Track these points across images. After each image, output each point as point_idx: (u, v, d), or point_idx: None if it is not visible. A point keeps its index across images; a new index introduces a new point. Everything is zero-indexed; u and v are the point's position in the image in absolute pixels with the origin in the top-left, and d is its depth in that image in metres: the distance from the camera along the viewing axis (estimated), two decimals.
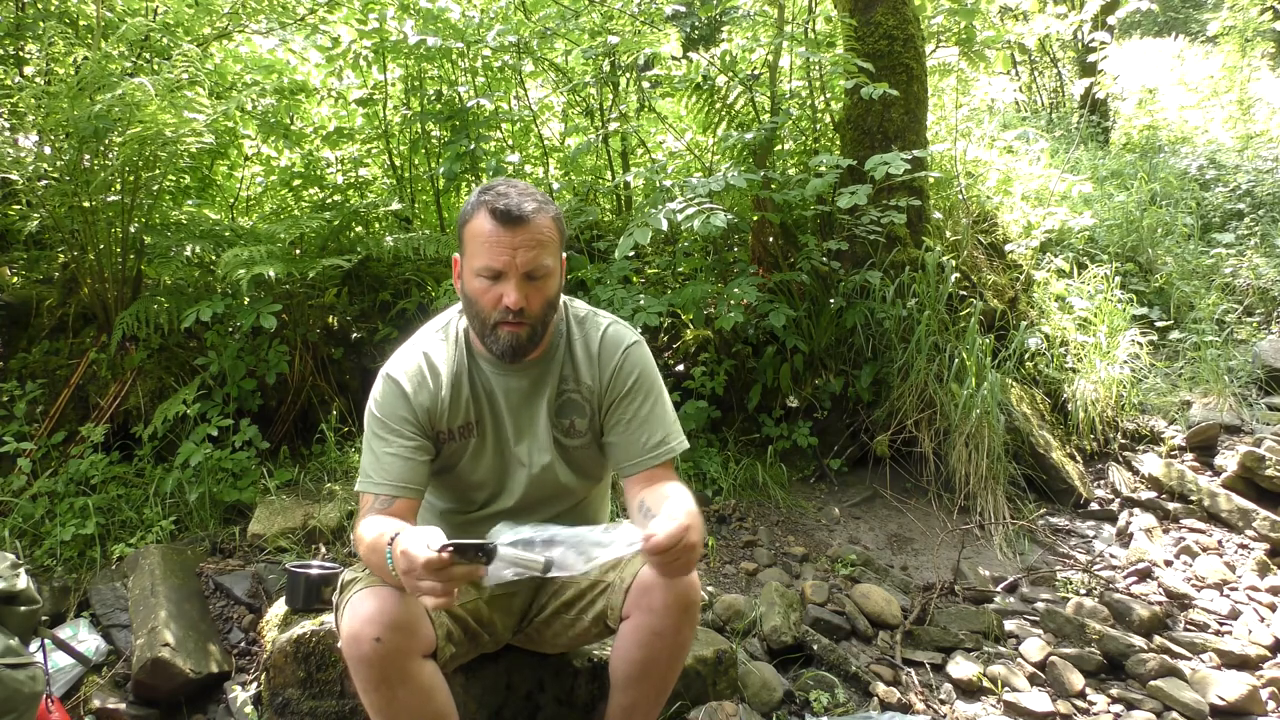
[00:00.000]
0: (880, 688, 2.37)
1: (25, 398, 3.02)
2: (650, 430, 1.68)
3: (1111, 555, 3.26)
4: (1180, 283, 5.38)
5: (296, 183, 4.19)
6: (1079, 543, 3.36)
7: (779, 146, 4.08)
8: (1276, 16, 9.34)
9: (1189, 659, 2.63)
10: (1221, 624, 2.85)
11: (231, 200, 4.38)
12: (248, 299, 3.07)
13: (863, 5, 4.01)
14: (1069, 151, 7.06)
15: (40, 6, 3.82)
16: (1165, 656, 2.56)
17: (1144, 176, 6.70)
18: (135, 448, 2.98)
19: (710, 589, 2.70)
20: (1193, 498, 3.52)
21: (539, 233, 1.54)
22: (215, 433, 2.90)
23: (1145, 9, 7.19)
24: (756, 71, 4.02)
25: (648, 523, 1.41)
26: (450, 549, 1.26)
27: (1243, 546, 3.28)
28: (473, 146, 3.73)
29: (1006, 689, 2.41)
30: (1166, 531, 3.40)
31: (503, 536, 1.32)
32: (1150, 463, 3.76)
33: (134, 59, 3.72)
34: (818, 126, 4.27)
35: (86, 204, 3.12)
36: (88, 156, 3.12)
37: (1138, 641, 2.62)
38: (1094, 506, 3.55)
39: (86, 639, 2.23)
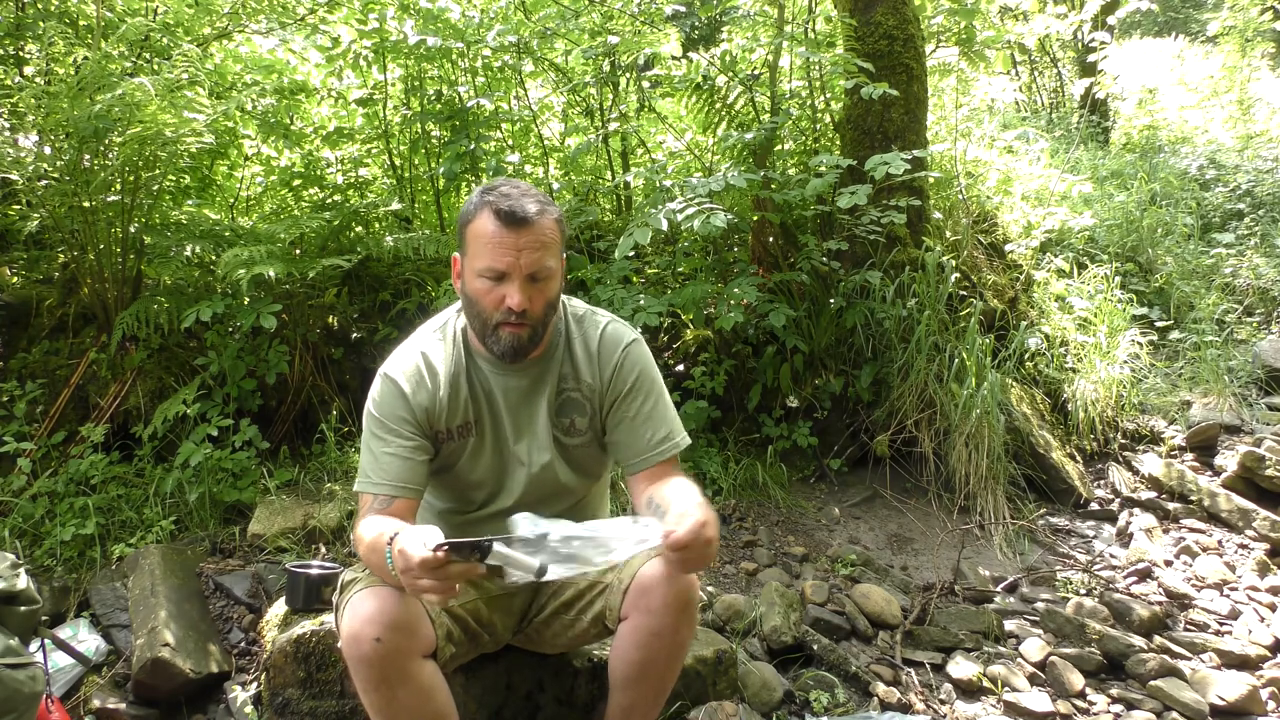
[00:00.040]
0: (880, 688, 2.37)
1: (25, 398, 3.02)
2: (654, 427, 1.69)
3: (1111, 555, 3.26)
4: (1180, 283, 5.38)
5: (296, 183, 4.19)
6: (1079, 543, 3.36)
7: (779, 146, 4.08)
8: (1277, 16, 9.34)
9: (1189, 659, 2.63)
10: (1221, 624, 2.85)
11: (231, 200, 4.38)
12: (248, 299, 3.07)
13: (863, 5, 4.01)
14: (1069, 151, 7.06)
15: (40, 6, 3.82)
16: (1165, 656, 2.56)
17: (1144, 176, 6.69)
18: (135, 448, 2.98)
19: (710, 589, 2.70)
20: (1193, 498, 3.52)
21: (542, 234, 1.54)
22: (215, 433, 2.90)
23: (1145, 9, 7.19)
24: (756, 71, 4.02)
25: (659, 519, 1.42)
26: (446, 548, 1.26)
27: (1243, 546, 3.28)
28: (473, 146, 3.73)
29: (1006, 689, 2.41)
30: (1166, 531, 3.40)
31: (521, 528, 1.33)
32: (1150, 463, 3.76)
33: (134, 59, 3.72)
34: (818, 126, 4.27)
35: (86, 204, 3.12)
36: (88, 156, 3.12)
37: (1138, 641, 2.62)
38: (1094, 506, 3.55)
39: (86, 639, 2.23)
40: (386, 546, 1.37)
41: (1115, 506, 3.57)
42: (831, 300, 3.71)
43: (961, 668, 2.48)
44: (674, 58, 4.07)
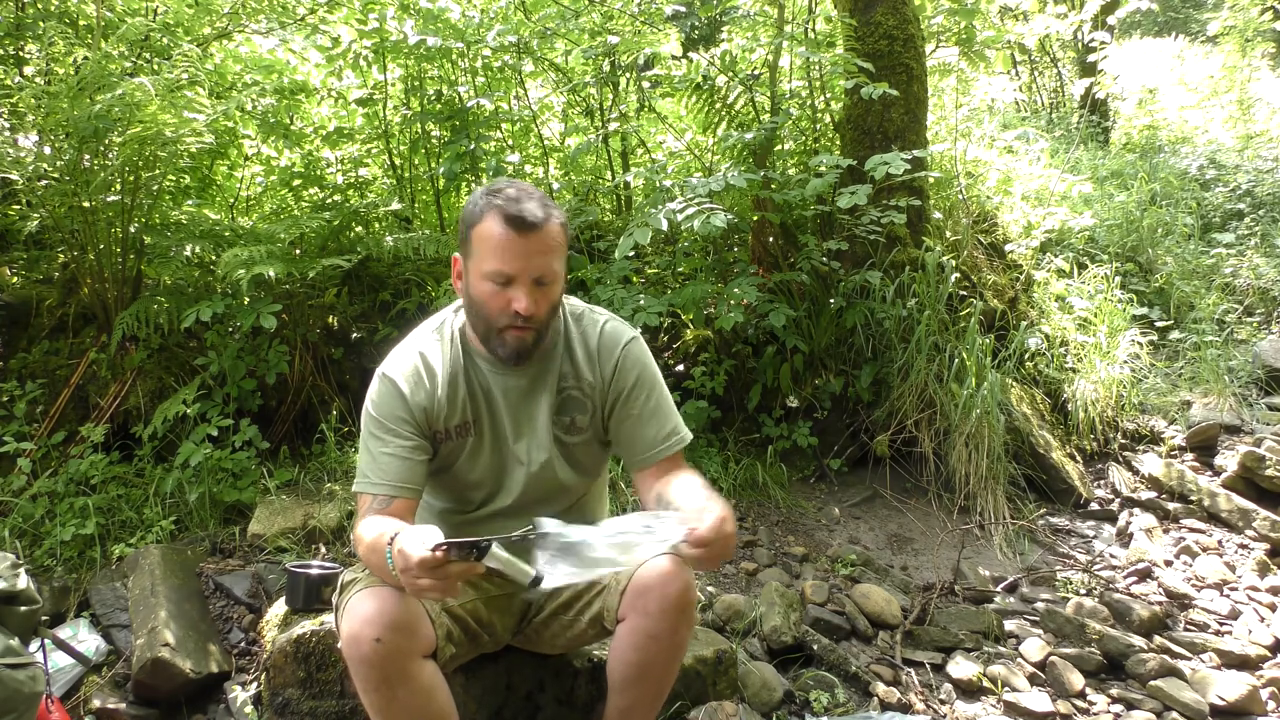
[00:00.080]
0: (880, 688, 2.37)
1: (25, 398, 3.02)
2: (659, 423, 1.71)
3: (1111, 555, 3.26)
4: (1180, 283, 5.38)
5: (296, 183, 4.19)
6: (1079, 543, 3.36)
7: (779, 146, 4.08)
8: (1277, 16, 9.34)
9: (1189, 659, 2.63)
10: (1221, 624, 2.85)
11: (231, 200, 4.38)
12: (248, 299, 3.07)
13: (863, 5, 4.01)
14: (1069, 151, 7.06)
15: (40, 6, 3.82)
16: (1165, 656, 2.56)
17: (1144, 176, 6.69)
18: (135, 448, 2.98)
19: (710, 589, 2.70)
20: (1193, 498, 3.52)
21: (550, 239, 1.54)
22: (215, 433, 2.90)
23: (1145, 9, 7.19)
24: (756, 71, 4.02)
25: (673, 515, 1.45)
26: (445, 547, 1.27)
27: (1243, 546, 3.28)
28: (473, 146, 3.73)
29: (1006, 689, 2.41)
30: (1166, 531, 3.40)
31: (546, 526, 1.34)
32: (1150, 463, 3.76)
33: (134, 59, 3.72)
34: (818, 126, 4.27)
35: (86, 204, 3.12)
36: (88, 156, 3.12)
37: (1138, 641, 2.62)
38: (1094, 506, 3.55)
39: (86, 639, 2.23)
40: (387, 547, 1.37)
41: (1115, 506, 3.57)
42: (831, 300, 3.71)
43: (961, 668, 2.48)
44: (674, 58, 4.07)
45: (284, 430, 3.28)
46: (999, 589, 2.99)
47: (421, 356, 1.66)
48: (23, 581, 1.92)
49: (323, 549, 2.66)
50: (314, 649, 1.89)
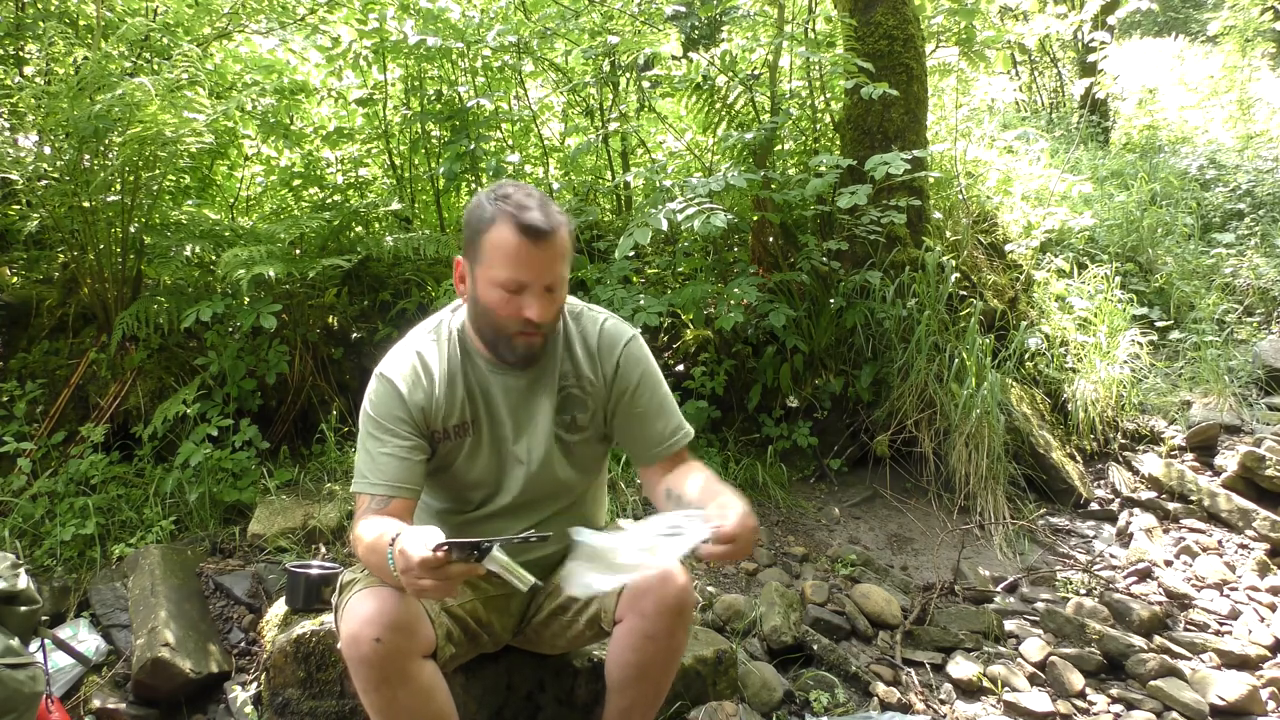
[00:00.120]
0: (880, 688, 2.37)
1: (25, 398, 3.02)
2: (665, 420, 1.73)
3: (1111, 555, 3.26)
4: (1180, 283, 5.39)
5: (296, 183, 4.19)
6: (1079, 543, 3.36)
7: (779, 146, 4.08)
8: (1277, 16, 9.34)
9: (1189, 659, 2.63)
10: (1221, 624, 2.85)
11: (231, 200, 4.38)
12: (248, 299, 3.07)
13: (863, 5, 4.01)
14: (1069, 151, 7.06)
15: (40, 6, 3.82)
16: (1165, 656, 2.56)
17: (1144, 176, 6.69)
18: (135, 448, 2.98)
19: (710, 589, 2.70)
20: (1193, 498, 3.52)
21: (560, 246, 1.54)
22: (215, 433, 2.90)
23: (1145, 9, 7.19)
24: (756, 71, 4.02)
25: (681, 508, 1.48)
26: (445, 547, 1.27)
27: (1243, 546, 3.28)
28: (473, 146, 3.73)
29: (1006, 689, 2.41)
30: (1166, 531, 3.40)
31: (580, 534, 1.36)
32: (1150, 463, 3.76)
33: (134, 59, 3.72)
34: (818, 126, 4.27)
35: (86, 204, 3.12)
36: (88, 156, 3.12)
37: (1138, 641, 2.62)
38: (1094, 506, 3.55)
39: (86, 639, 2.23)
40: (388, 547, 1.37)
41: (1115, 506, 3.57)
42: (831, 300, 3.71)
43: (961, 668, 2.48)
44: (674, 58, 4.07)
45: (284, 430, 3.28)
46: (999, 589, 2.99)
47: (419, 356, 1.66)
48: (23, 581, 1.92)
49: (323, 549, 2.67)
50: (314, 649, 1.89)
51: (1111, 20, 7.62)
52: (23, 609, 1.91)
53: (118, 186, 3.20)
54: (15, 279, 3.59)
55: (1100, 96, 8.41)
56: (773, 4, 3.97)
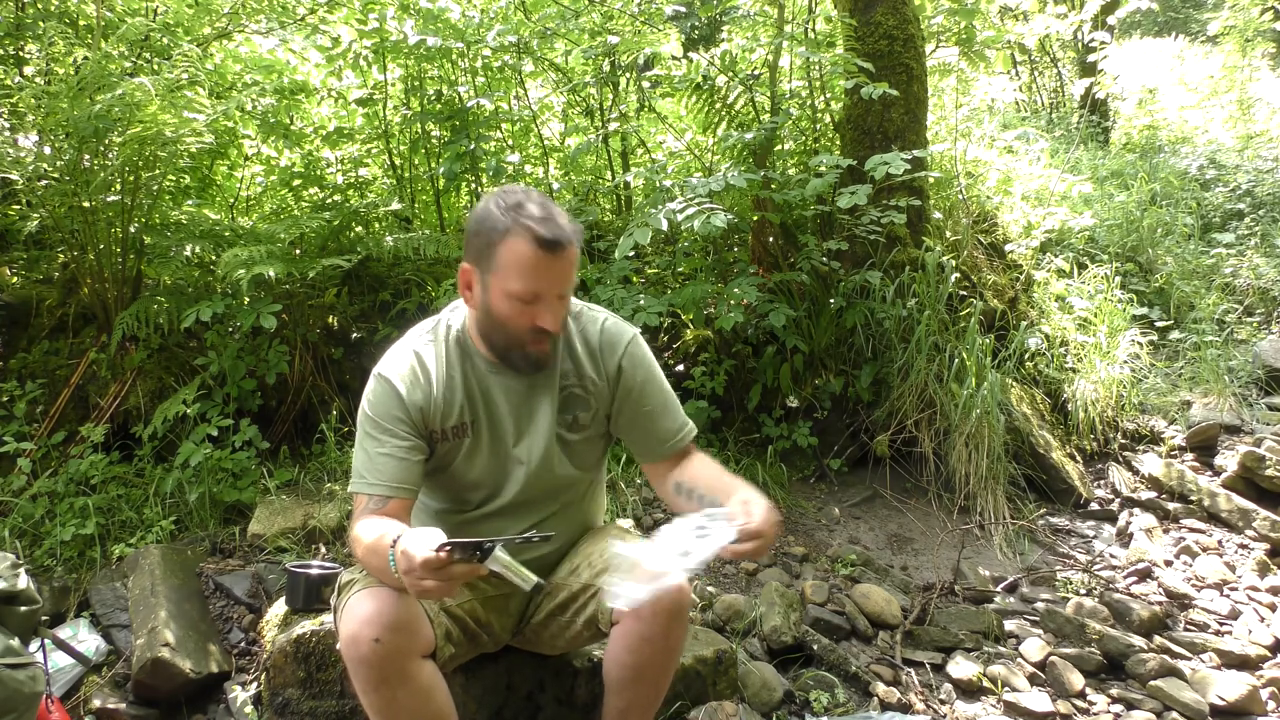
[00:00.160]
0: (880, 688, 2.37)
1: (25, 398, 3.02)
2: (670, 417, 1.76)
3: (1111, 555, 3.26)
4: (1180, 283, 5.38)
5: (296, 183, 4.19)
6: (1079, 543, 3.36)
7: (779, 146, 4.08)
8: (1277, 16, 9.34)
9: (1189, 659, 2.63)
10: (1221, 624, 2.85)
11: (231, 200, 4.38)
12: (248, 299, 3.07)
13: (863, 5, 4.01)
14: (1069, 151, 7.06)
15: (40, 6, 3.82)
16: (1165, 656, 2.56)
17: (1144, 176, 6.69)
18: (135, 448, 2.98)
19: (710, 589, 2.70)
20: (1193, 498, 3.52)
21: (574, 256, 1.56)
22: (215, 433, 2.90)
23: (1145, 9, 7.19)
24: (756, 71, 4.02)
25: (693, 502, 1.62)
26: (449, 548, 1.27)
27: (1243, 546, 3.28)
28: (473, 146, 3.73)
29: (1006, 689, 2.41)
30: (1166, 531, 3.40)
31: (616, 545, 1.41)
32: (1150, 463, 3.76)
33: (134, 59, 3.72)
34: (818, 126, 4.27)
35: (86, 204, 3.12)
36: (88, 156, 3.13)
37: (1138, 641, 2.62)
38: (1094, 506, 3.55)
39: (86, 639, 2.23)
40: (390, 549, 1.37)
41: (1115, 506, 3.57)
42: (831, 300, 3.71)
43: (961, 668, 2.48)
44: (674, 58, 4.07)
45: (284, 430, 3.28)
46: (999, 589, 2.99)
47: (417, 357, 1.66)
48: (23, 581, 1.92)
49: (323, 549, 2.67)
50: (314, 649, 1.89)
51: (1111, 20, 7.63)
52: (23, 609, 1.91)
53: (118, 186, 3.20)
54: (15, 279, 3.59)
55: (1100, 96, 8.41)
56: (773, 4, 3.97)
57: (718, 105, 4.04)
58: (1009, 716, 2.34)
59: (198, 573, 2.53)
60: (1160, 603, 2.92)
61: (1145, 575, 3.10)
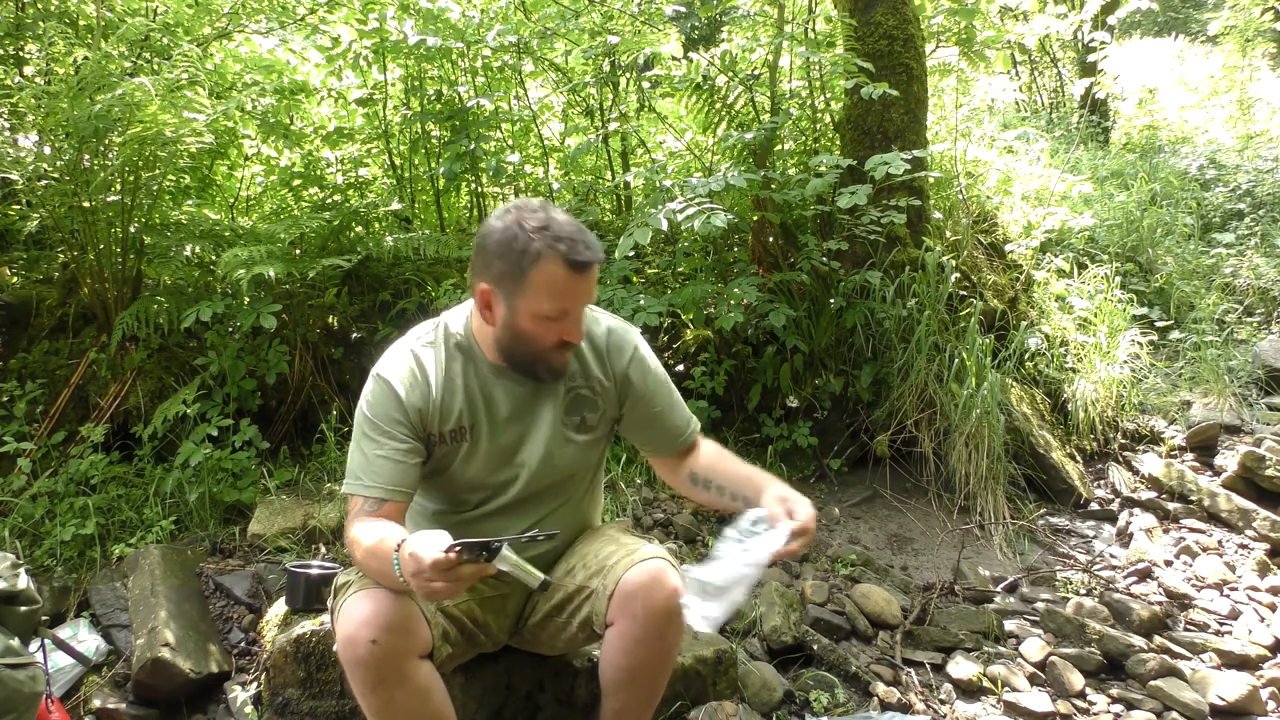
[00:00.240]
0: (880, 688, 2.37)
1: (25, 398, 3.02)
2: (677, 413, 1.80)
3: (1111, 555, 3.26)
4: (1180, 283, 5.38)
5: (296, 183, 4.19)
6: (1079, 543, 3.36)
7: (779, 146, 4.08)
8: (1277, 17, 9.34)
9: (1189, 659, 2.63)
10: (1221, 624, 2.85)
11: (231, 200, 4.38)
12: (248, 299, 3.07)
13: (863, 5, 4.01)
14: (1069, 151, 7.06)
15: (40, 6, 3.82)
16: (1165, 656, 2.55)
17: (1144, 176, 6.69)
18: (135, 448, 2.98)
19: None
20: (1193, 498, 3.52)
21: (597, 268, 1.57)
22: (215, 433, 2.90)
23: (1145, 9, 7.19)
24: (756, 71, 4.02)
25: (712, 493, 1.74)
26: (458, 549, 1.27)
27: (1243, 546, 3.28)
28: (473, 146, 3.73)
29: (1006, 689, 2.41)
30: (1166, 531, 3.40)
31: (689, 570, 1.44)
32: (1150, 463, 3.76)
33: (134, 59, 3.72)
34: (818, 126, 4.27)
35: (86, 204, 3.12)
36: (88, 156, 3.13)
37: (1138, 641, 2.62)
38: (1094, 506, 3.55)
39: (86, 639, 2.23)
40: (393, 552, 1.36)
41: (1115, 506, 3.57)
42: (831, 300, 3.71)
43: (961, 668, 2.48)
44: (674, 58, 4.07)
45: (284, 430, 3.28)
46: (999, 589, 2.99)
47: (416, 359, 1.65)
48: (23, 581, 1.92)
49: (323, 549, 2.67)
50: (314, 649, 1.89)
51: (1111, 20, 7.63)
52: (23, 609, 1.91)
53: (118, 186, 3.20)
54: (15, 279, 3.59)
55: (1100, 96, 8.41)
56: (773, 4, 3.97)
57: (718, 105, 4.04)
58: (1009, 716, 2.34)
59: (198, 573, 2.53)
60: (1160, 603, 2.92)
61: (1145, 575, 3.10)
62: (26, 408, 3.00)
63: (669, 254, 4.08)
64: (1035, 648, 2.60)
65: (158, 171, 3.27)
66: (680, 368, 3.61)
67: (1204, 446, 3.83)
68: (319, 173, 4.24)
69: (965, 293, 3.90)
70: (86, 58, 3.31)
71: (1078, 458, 3.80)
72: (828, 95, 4.23)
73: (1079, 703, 2.41)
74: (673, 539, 2.94)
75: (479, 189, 4.41)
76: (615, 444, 3.20)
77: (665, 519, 3.03)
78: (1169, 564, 3.19)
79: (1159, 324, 4.94)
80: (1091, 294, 4.39)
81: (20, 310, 3.37)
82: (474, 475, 1.69)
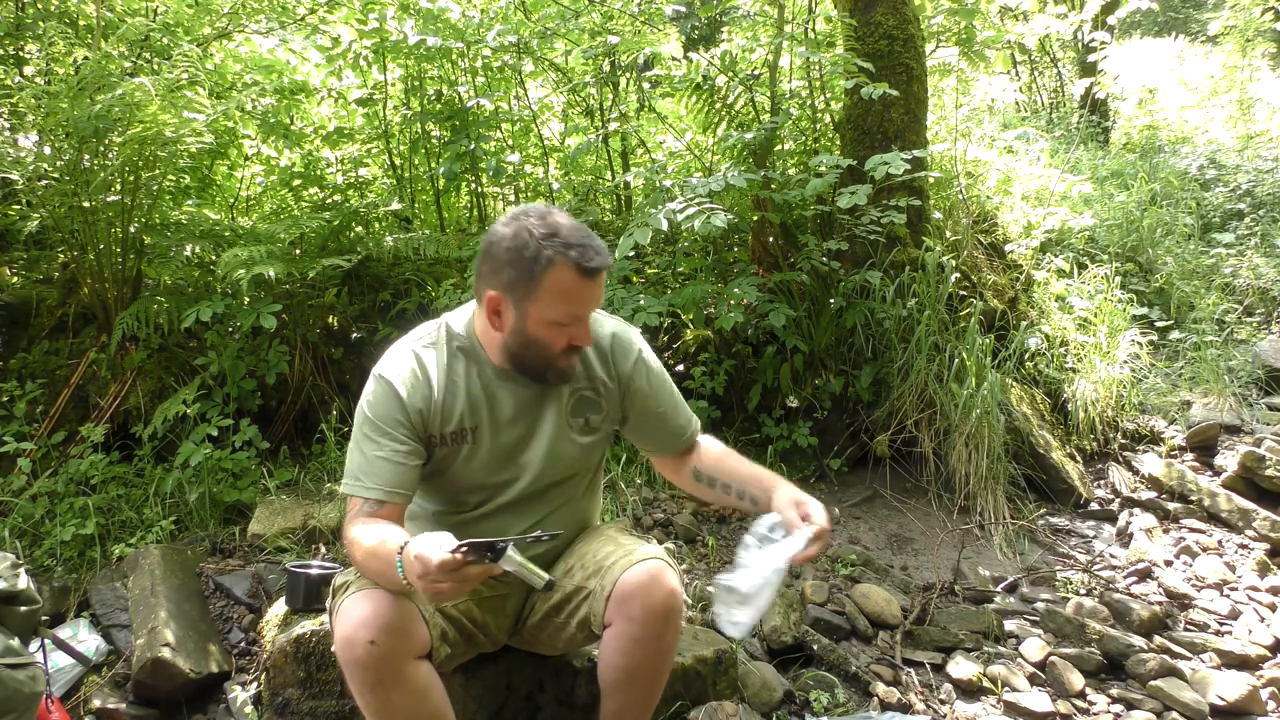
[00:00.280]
0: (880, 688, 2.37)
1: (25, 398, 3.02)
2: (680, 413, 1.82)
3: (1111, 555, 3.26)
4: (1180, 283, 5.38)
5: (296, 183, 4.20)
6: (1079, 543, 3.36)
7: (779, 146, 4.08)
8: (1277, 17, 9.34)
9: (1189, 659, 2.63)
10: (1221, 624, 2.85)
11: (231, 200, 4.38)
12: (248, 299, 3.07)
13: (863, 5, 4.01)
14: (1069, 151, 7.06)
15: (40, 6, 3.82)
16: (1165, 656, 2.55)
17: (1144, 176, 6.69)
18: (135, 448, 2.98)
19: (710, 589, 2.69)
20: (1193, 498, 3.52)
21: (606, 274, 1.58)
22: (215, 433, 2.90)
23: (1145, 9, 7.19)
24: (756, 71, 4.02)
25: (717, 490, 1.79)
26: (464, 550, 1.27)
27: (1243, 546, 3.28)
28: (473, 146, 3.73)
29: (1006, 689, 2.41)
30: (1166, 531, 3.40)
31: (718, 579, 1.48)
32: (1150, 463, 3.76)
33: (134, 59, 3.72)
34: (818, 126, 4.27)
35: (86, 204, 3.12)
36: (88, 156, 3.13)
37: (1138, 641, 2.62)
38: (1094, 506, 3.55)
39: (86, 639, 2.23)
40: (395, 554, 1.36)
41: (1115, 506, 3.57)
42: (831, 300, 3.71)
43: (961, 668, 2.48)
44: (674, 58, 4.07)
45: (284, 430, 3.28)
46: (999, 589, 2.99)
47: (418, 360, 1.65)
48: (23, 581, 1.92)
49: (323, 549, 2.67)
50: (314, 649, 1.89)
51: (1111, 20, 7.63)
52: (23, 609, 1.91)
53: (118, 186, 3.20)
54: (15, 279, 3.59)
55: (1100, 96, 8.41)
56: (773, 4, 3.97)
57: (718, 105, 4.04)
58: (1009, 716, 2.34)
59: (198, 573, 2.53)
60: (1160, 603, 2.92)
61: (1145, 575, 3.10)
62: (26, 408, 3.00)
63: (669, 254, 4.08)
64: (1035, 648, 2.60)
65: (158, 171, 3.27)
66: (680, 368, 3.61)
67: (1204, 446, 3.83)
68: (319, 173, 4.24)
69: (965, 293, 3.90)
70: (86, 58, 3.31)
71: (1078, 458, 3.80)
72: (828, 95, 4.23)
73: (1079, 703, 2.41)
74: (672, 539, 2.94)
75: (479, 189, 4.41)
76: (615, 444, 3.20)
77: (665, 519, 3.03)
78: (1169, 564, 3.19)
79: (1159, 324, 4.94)
80: (1091, 294, 4.39)
81: (20, 310, 3.37)
82: (474, 477, 1.69)
